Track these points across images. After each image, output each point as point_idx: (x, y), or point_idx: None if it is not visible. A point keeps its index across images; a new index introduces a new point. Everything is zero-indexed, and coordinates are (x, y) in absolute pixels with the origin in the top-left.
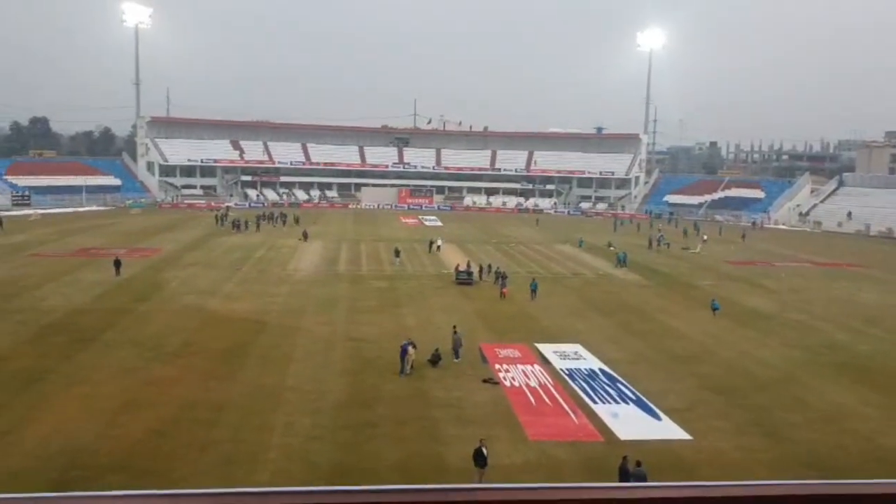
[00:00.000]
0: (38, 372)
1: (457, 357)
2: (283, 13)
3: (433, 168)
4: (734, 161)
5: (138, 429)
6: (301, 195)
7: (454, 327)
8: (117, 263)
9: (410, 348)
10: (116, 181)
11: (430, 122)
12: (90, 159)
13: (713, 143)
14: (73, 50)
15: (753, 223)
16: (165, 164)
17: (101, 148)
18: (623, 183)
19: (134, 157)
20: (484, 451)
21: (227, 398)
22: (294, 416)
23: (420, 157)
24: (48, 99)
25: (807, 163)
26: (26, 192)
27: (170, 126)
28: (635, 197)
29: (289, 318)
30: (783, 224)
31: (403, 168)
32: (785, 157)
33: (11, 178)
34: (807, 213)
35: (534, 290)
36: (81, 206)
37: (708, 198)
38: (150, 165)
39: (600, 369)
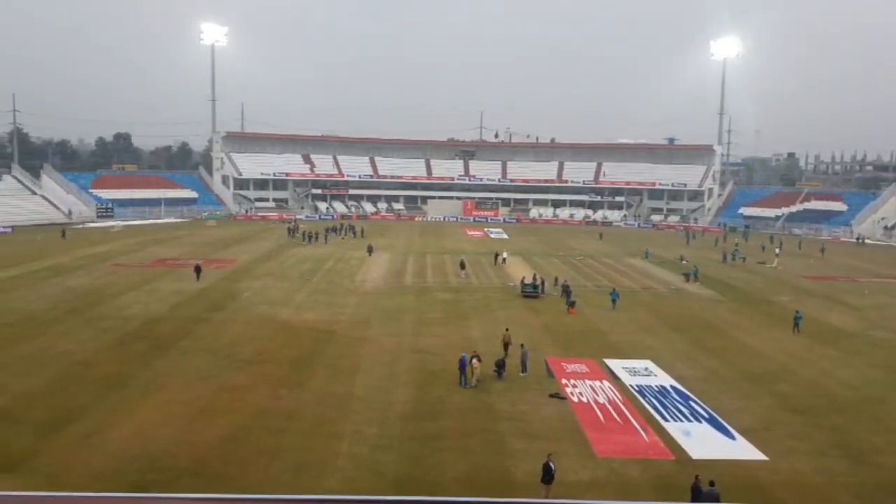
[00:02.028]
0: (119, 377)
1: (524, 371)
2: (351, 29)
3: (499, 180)
4: (813, 172)
5: (212, 435)
6: (369, 207)
7: (522, 345)
8: (198, 270)
9: (475, 361)
10: (193, 194)
11: (496, 135)
12: (169, 173)
13: (791, 154)
14: (154, 68)
15: (859, 238)
16: (239, 177)
17: (179, 162)
18: (696, 195)
19: (210, 171)
20: (551, 466)
21: (297, 406)
22: (362, 426)
23: (486, 170)
24: (130, 115)
25: (893, 174)
26: (110, 205)
27: (244, 141)
28: (709, 209)
29: (356, 329)
30: (868, 238)
31: (469, 180)
32: (869, 167)
33: (96, 191)
34: (893, 227)
35: (614, 301)
36: (160, 218)
37: (785, 210)
38: (225, 179)
39: (672, 386)
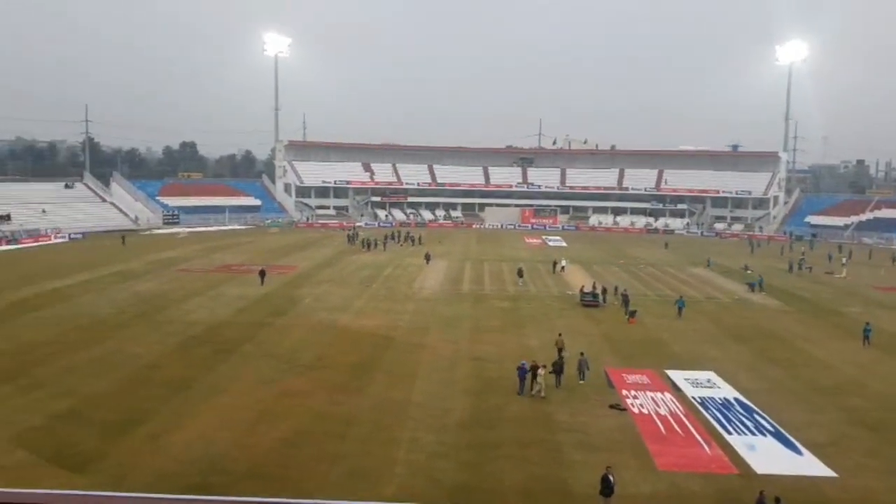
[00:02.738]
0: (183, 381)
1: (582, 378)
2: (409, 38)
3: (557, 188)
4: (884, 180)
5: (272, 438)
6: (427, 215)
7: (581, 353)
8: (262, 274)
9: (542, 370)
10: (256, 202)
11: (555, 142)
12: (233, 181)
13: (860, 162)
14: (220, 79)
15: None
16: (301, 185)
17: (243, 170)
18: (760, 203)
19: (273, 179)
20: (611, 478)
21: (355, 412)
22: (419, 433)
23: (544, 177)
24: (196, 125)
25: None
26: (175, 212)
27: (306, 149)
28: (774, 218)
29: (414, 336)
30: None
31: (527, 188)
32: None
33: (163, 199)
34: None
35: (680, 309)
36: (224, 225)
37: (855, 219)
38: (287, 187)
39: (735, 398)
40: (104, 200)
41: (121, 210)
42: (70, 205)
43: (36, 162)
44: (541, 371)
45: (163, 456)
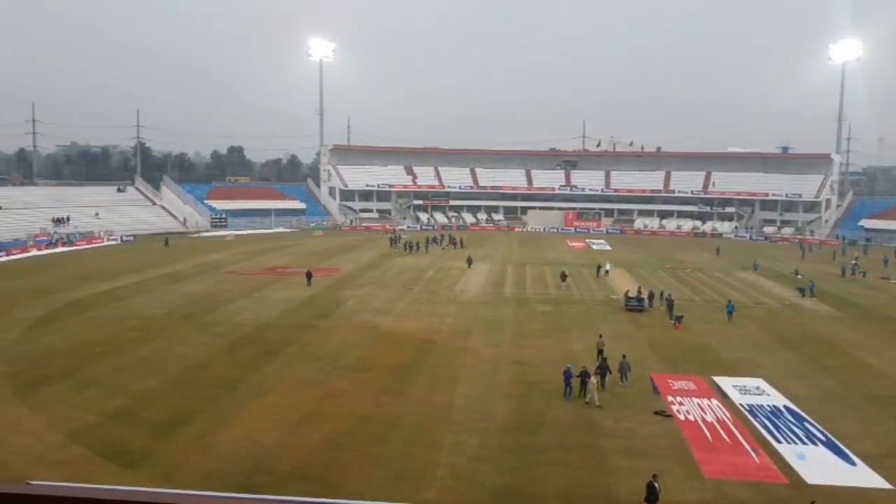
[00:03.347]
0: (230, 381)
1: (624, 380)
2: (451, 41)
3: (602, 190)
4: None
5: (317, 439)
6: (469, 218)
7: (623, 355)
8: (308, 276)
9: (594, 378)
10: (301, 205)
11: (599, 145)
12: (279, 185)
13: None
14: (266, 85)
15: None
16: (345, 188)
17: (289, 174)
18: (812, 206)
19: (317, 183)
20: (656, 485)
21: (398, 414)
22: (461, 436)
23: (588, 180)
24: (244, 130)
25: None
26: (223, 215)
27: (349, 153)
28: (826, 221)
29: (456, 339)
30: None
31: (570, 191)
32: None
33: (211, 202)
34: None
35: (730, 313)
36: (270, 228)
37: None
38: (331, 190)
39: (785, 406)
40: (154, 204)
41: (170, 213)
42: (122, 208)
43: (90, 166)
44: (592, 379)
45: (210, 455)
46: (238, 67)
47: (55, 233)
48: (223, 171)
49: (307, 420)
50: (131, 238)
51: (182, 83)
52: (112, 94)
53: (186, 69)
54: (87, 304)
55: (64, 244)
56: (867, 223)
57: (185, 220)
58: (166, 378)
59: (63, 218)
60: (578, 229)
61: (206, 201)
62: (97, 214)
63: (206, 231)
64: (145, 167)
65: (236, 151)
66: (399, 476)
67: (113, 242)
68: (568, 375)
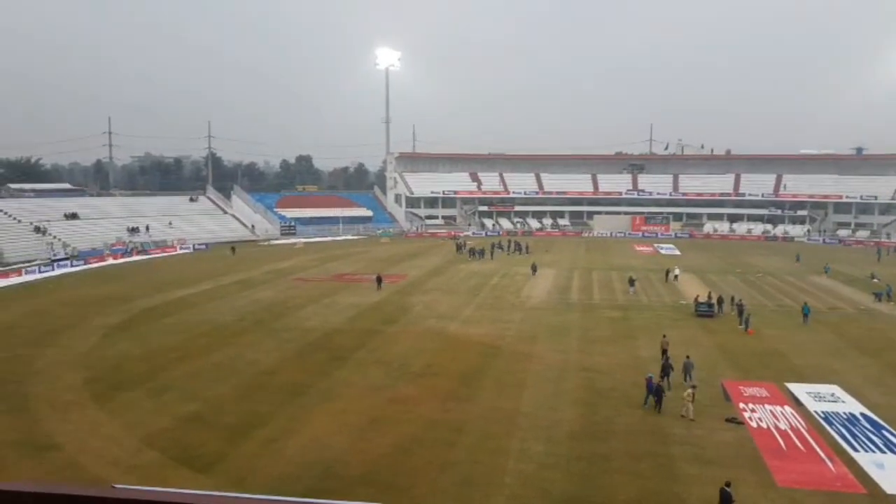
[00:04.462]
0: (300, 386)
1: (688, 378)
2: (514, 48)
3: (669, 194)
4: None
5: (384, 444)
6: (534, 223)
7: (687, 356)
8: (379, 280)
9: (691, 390)
10: (368, 212)
11: (666, 148)
12: (346, 192)
13: None
14: (334, 94)
15: None
16: (411, 195)
17: (356, 182)
18: (888, 208)
19: (384, 190)
20: (730, 492)
21: (465, 420)
22: (528, 443)
23: (655, 184)
24: (311, 139)
25: None
26: (292, 223)
27: (415, 161)
28: None
29: (522, 345)
30: None
31: (637, 195)
32: None
33: (281, 210)
34: None
35: (806, 315)
36: (338, 235)
37: None
38: (397, 197)
39: (862, 414)
40: (225, 212)
41: (241, 221)
42: (194, 217)
43: (163, 176)
44: (688, 392)
45: (280, 459)
46: (307, 77)
47: (130, 241)
48: (292, 180)
49: (375, 425)
50: (203, 246)
51: (252, 93)
52: (186, 105)
53: (256, 79)
54: (162, 311)
55: (138, 253)
56: None
57: (253, 227)
58: (238, 383)
59: (137, 227)
60: (646, 234)
61: (275, 209)
62: (170, 223)
63: (276, 239)
64: (216, 177)
65: (304, 160)
66: (466, 482)
67: (185, 251)
68: (650, 384)
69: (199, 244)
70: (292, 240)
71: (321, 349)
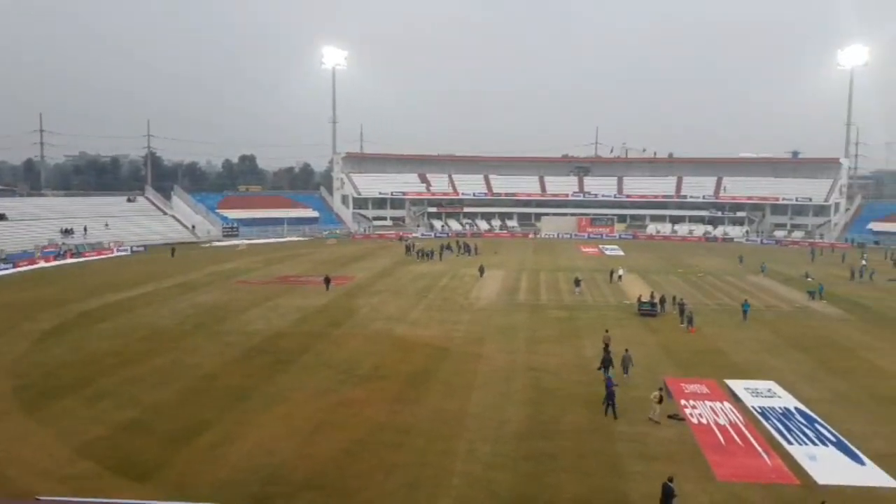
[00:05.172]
0: (244, 390)
1: (625, 373)
2: (464, 50)
3: (614, 196)
4: None
5: (331, 448)
6: (483, 225)
7: (626, 349)
8: (327, 281)
9: (657, 392)
10: (314, 213)
11: (612, 151)
12: (291, 193)
13: None
14: (278, 93)
15: None
16: (358, 196)
17: (301, 182)
18: (821, 210)
19: (330, 191)
20: (672, 488)
21: (412, 422)
22: (476, 444)
23: (601, 186)
24: (256, 138)
25: None
26: (235, 224)
27: (363, 161)
28: (835, 225)
29: (470, 346)
30: None
31: (583, 197)
32: None
33: (223, 211)
34: None
35: (745, 311)
36: (283, 237)
37: None
38: (344, 198)
39: (796, 408)
40: (165, 213)
41: (181, 223)
42: (132, 218)
43: (99, 176)
44: (655, 394)
45: (223, 465)
46: (249, 76)
47: (63, 244)
48: (235, 181)
49: (321, 429)
50: (142, 248)
51: (193, 92)
52: (122, 103)
53: (199, 78)
54: (98, 316)
55: (73, 255)
56: (875, 226)
57: (193, 228)
58: (179, 388)
59: (71, 229)
60: (591, 235)
61: (217, 211)
62: (107, 225)
63: (218, 240)
64: (156, 177)
65: (248, 160)
66: (413, 484)
67: (123, 253)
68: (609, 384)
69: (138, 246)
70: (235, 241)
71: (265, 353)
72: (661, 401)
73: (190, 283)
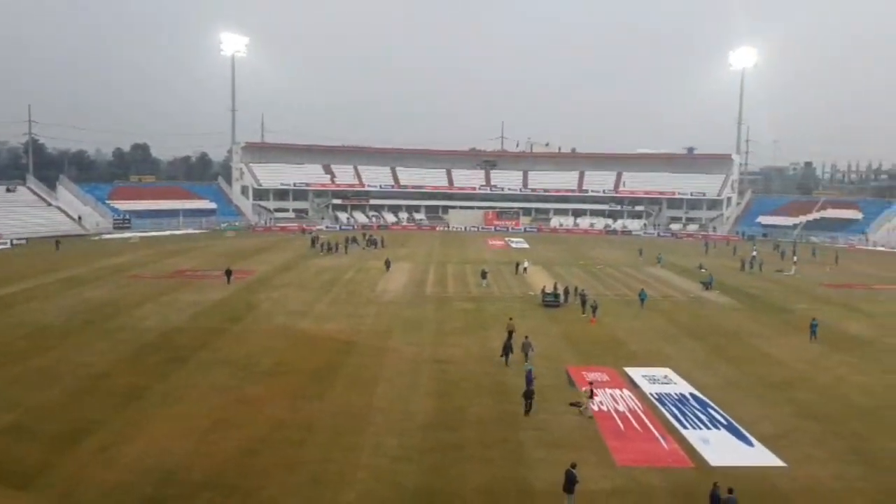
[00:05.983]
0: (136, 389)
1: (527, 357)
2: (371, 41)
3: (520, 190)
4: (830, 181)
5: (230, 447)
6: (390, 218)
7: (526, 336)
8: (228, 273)
9: (588, 387)
10: (212, 205)
11: (517, 145)
12: (187, 184)
13: (808, 164)
14: (174, 79)
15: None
16: (259, 187)
17: (198, 173)
18: (714, 204)
19: (229, 182)
20: (574, 474)
21: (316, 418)
22: (382, 437)
23: (507, 179)
24: (149, 126)
25: None
26: (127, 216)
27: (263, 151)
28: (727, 218)
29: (377, 339)
30: (882, 246)
31: (490, 190)
32: (884, 176)
33: (113, 203)
34: None
35: (643, 300)
36: (178, 229)
37: (803, 219)
38: (244, 189)
39: (691, 394)
40: (49, 204)
41: (67, 214)
42: (12, 209)
43: None
44: (585, 389)
45: (114, 468)
46: (142, 60)
47: None
48: (127, 170)
49: (219, 427)
50: (23, 241)
51: (81, 78)
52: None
53: (86, 63)
54: None
55: None
56: (764, 219)
57: (80, 219)
58: (65, 389)
59: None
60: (498, 228)
61: (107, 202)
62: None
63: (108, 233)
64: (39, 165)
65: (141, 149)
66: (316, 480)
67: (2, 246)
68: (530, 376)
69: (19, 239)
70: (127, 234)
71: (160, 350)
72: (592, 395)
73: (77, 278)
